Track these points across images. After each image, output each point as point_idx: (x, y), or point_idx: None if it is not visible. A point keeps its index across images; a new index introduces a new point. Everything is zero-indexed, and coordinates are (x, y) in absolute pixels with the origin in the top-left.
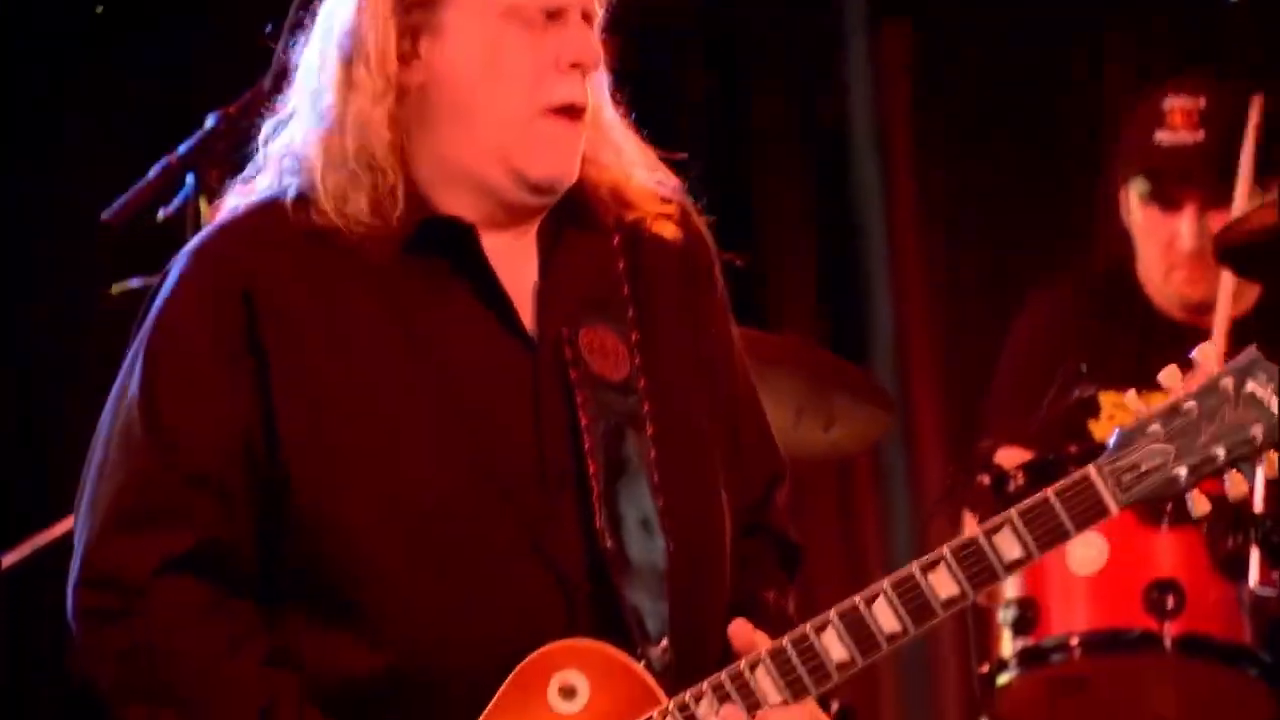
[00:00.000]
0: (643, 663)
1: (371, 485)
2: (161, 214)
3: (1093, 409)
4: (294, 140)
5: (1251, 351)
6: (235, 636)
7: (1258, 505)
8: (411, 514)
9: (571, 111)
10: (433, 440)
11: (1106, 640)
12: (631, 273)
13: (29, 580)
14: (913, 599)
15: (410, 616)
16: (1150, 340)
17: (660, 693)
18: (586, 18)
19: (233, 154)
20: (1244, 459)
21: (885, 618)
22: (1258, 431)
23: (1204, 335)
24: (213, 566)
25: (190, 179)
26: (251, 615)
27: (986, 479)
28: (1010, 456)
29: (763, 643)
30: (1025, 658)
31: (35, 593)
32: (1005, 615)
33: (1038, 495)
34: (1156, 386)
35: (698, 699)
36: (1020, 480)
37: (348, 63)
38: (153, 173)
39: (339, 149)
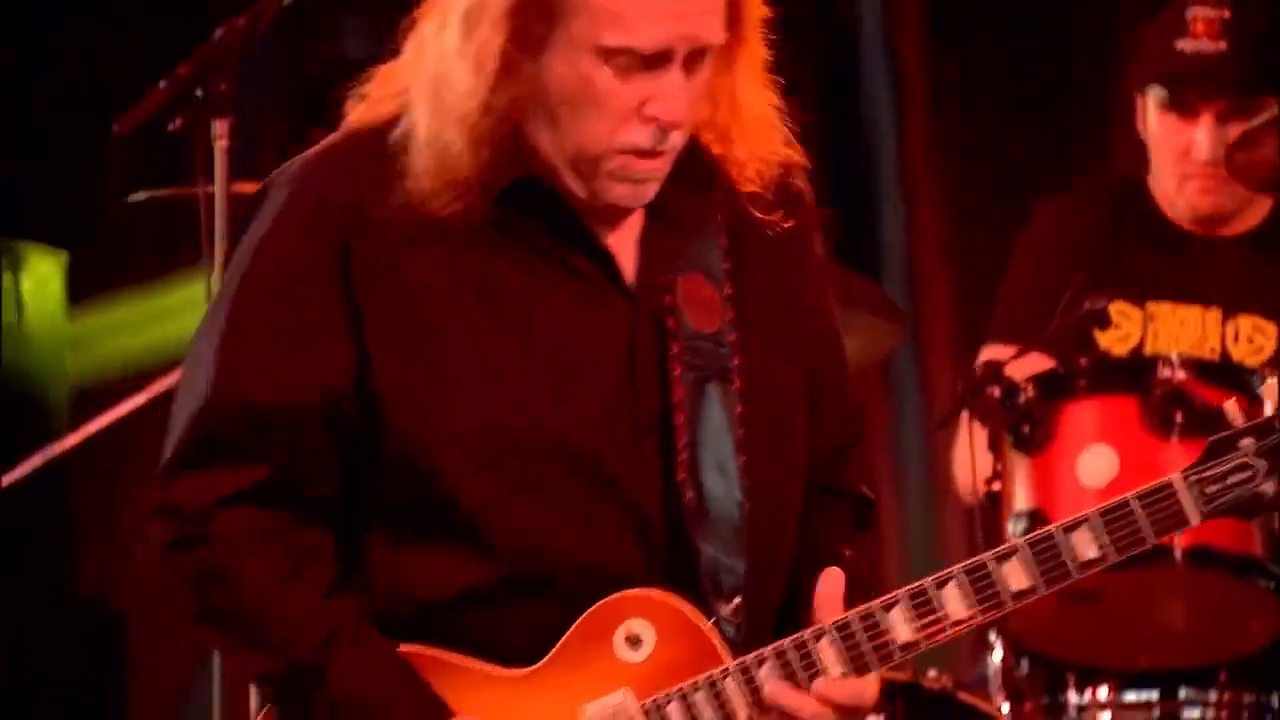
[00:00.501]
0: (712, 620)
1: (466, 421)
2: (171, 125)
3: (1103, 320)
4: (405, 89)
5: None
6: (298, 564)
7: (1268, 409)
8: (503, 449)
9: (648, 153)
10: (527, 381)
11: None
12: (731, 228)
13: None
14: (984, 587)
15: (497, 544)
16: (1162, 252)
17: (724, 653)
18: (695, 57)
19: (240, 66)
20: None
21: (954, 603)
22: None
23: (1215, 247)
24: (278, 498)
25: (199, 91)
26: (316, 543)
27: (996, 391)
28: (1020, 368)
29: (837, 607)
30: None
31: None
32: (1015, 528)
33: (1118, 499)
34: (1171, 299)
35: (760, 663)
36: (1030, 393)
37: (467, 33)
38: (162, 84)
39: (443, 111)
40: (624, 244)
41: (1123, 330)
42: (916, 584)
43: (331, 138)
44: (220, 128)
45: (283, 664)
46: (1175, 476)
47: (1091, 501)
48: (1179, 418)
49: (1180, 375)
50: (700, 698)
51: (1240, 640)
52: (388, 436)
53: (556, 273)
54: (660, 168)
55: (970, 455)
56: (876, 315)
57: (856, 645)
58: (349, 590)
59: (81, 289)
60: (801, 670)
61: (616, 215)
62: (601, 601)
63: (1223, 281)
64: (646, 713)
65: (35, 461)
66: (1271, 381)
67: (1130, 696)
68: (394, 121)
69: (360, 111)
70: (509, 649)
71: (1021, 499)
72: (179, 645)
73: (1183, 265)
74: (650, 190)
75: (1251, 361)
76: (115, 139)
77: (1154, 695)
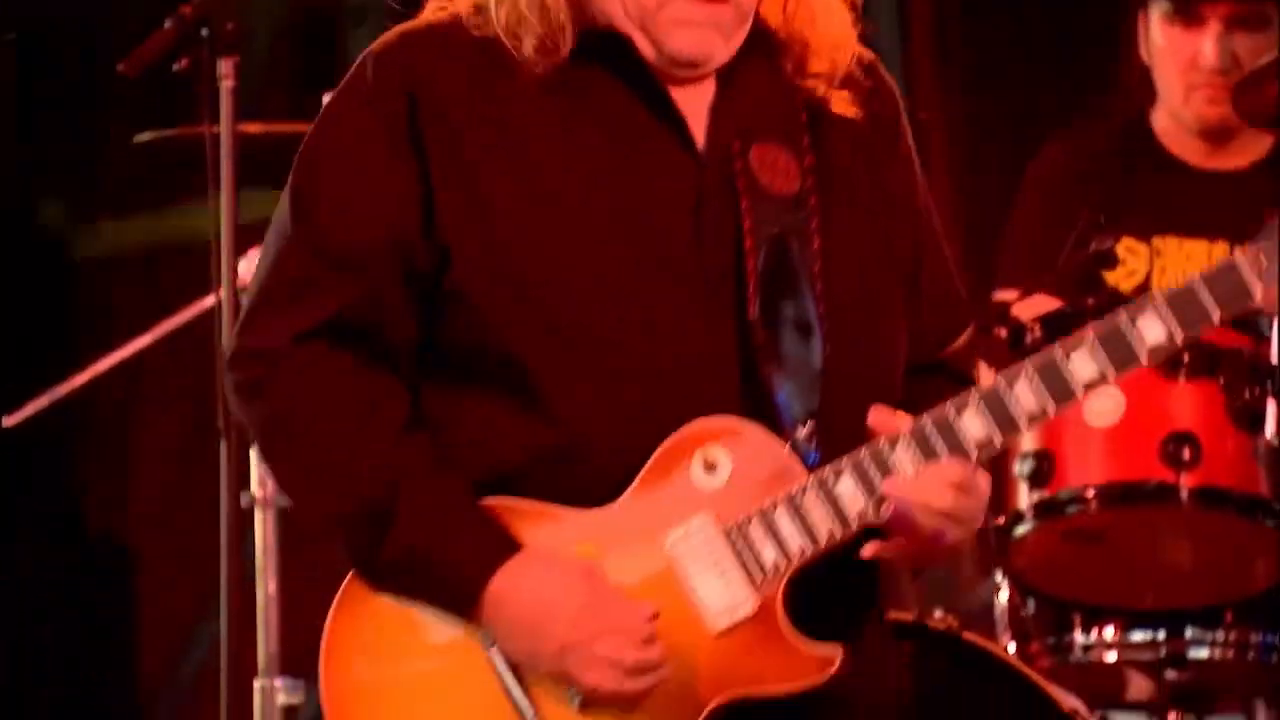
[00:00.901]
0: (788, 445)
1: (533, 271)
2: (177, 66)
3: (1111, 261)
4: None
5: None
6: (371, 402)
7: (1275, 356)
8: (573, 298)
9: None
10: (592, 233)
11: (1123, 492)
12: (811, 105)
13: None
14: (1053, 380)
15: (571, 395)
16: (1166, 186)
17: (801, 469)
18: None
19: (244, 5)
20: None
21: (1026, 398)
22: None
23: (1219, 180)
24: (351, 339)
25: (204, 30)
26: (389, 385)
27: (1003, 332)
28: (1027, 308)
29: (903, 424)
30: (1041, 510)
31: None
32: (1021, 468)
33: (1184, 285)
34: (1177, 233)
35: (837, 475)
36: (1038, 333)
37: None
38: (167, 24)
39: None
40: (696, 112)
41: (1129, 266)
42: (988, 385)
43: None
44: (225, 67)
45: (352, 504)
46: (1236, 253)
47: (1099, 442)
48: (1186, 358)
49: None
50: (781, 515)
51: (1246, 580)
52: (453, 281)
53: (626, 132)
54: (719, 14)
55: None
56: None
57: (931, 447)
58: (419, 432)
59: (87, 228)
60: (878, 476)
61: (688, 82)
62: (675, 434)
63: (1228, 214)
64: (728, 534)
65: (43, 401)
66: (1278, 321)
67: (1136, 636)
68: (471, 10)
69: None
70: (582, 501)
71: (1028, 439)
72: (188, 583)
73: (1188, 199)
74: (713, 41)
75: None
76: (121, 80)
77: (1160, 634)
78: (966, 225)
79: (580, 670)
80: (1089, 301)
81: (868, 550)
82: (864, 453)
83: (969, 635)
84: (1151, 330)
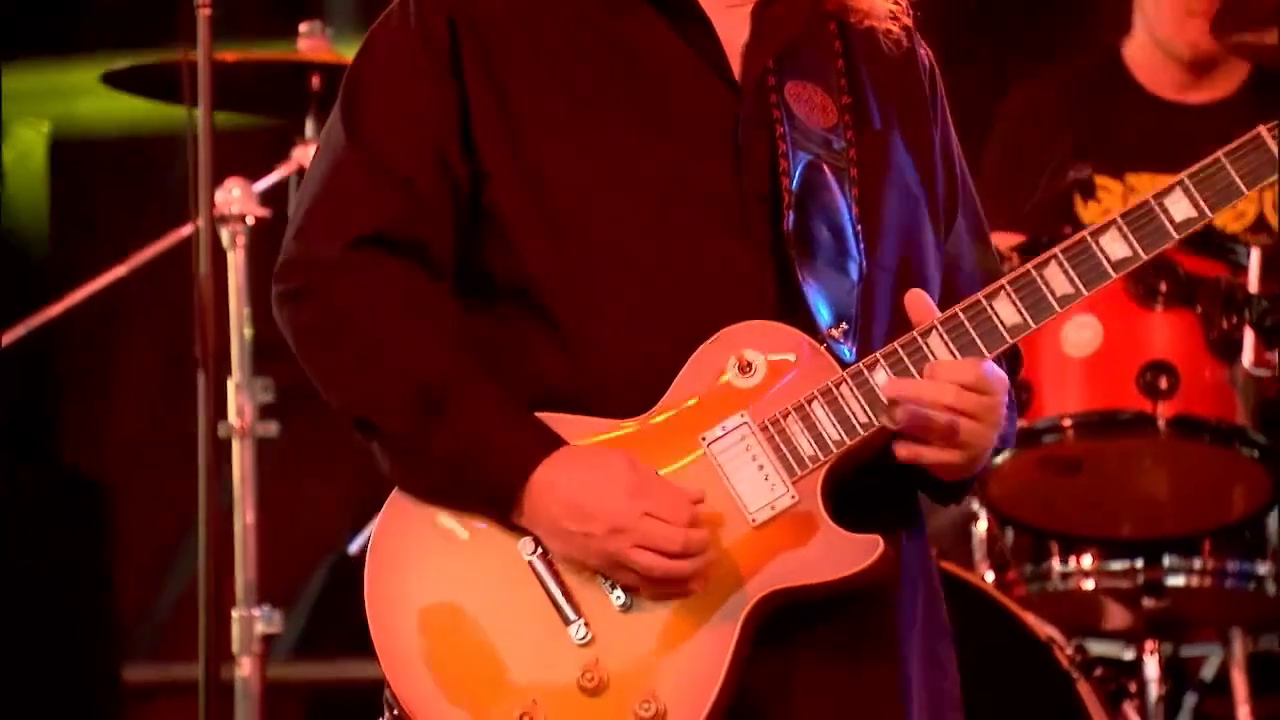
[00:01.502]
0: (823, 344)
1: (565, 193)
2: None
3: (1089, 188)
4: None
5: None
6: (428, 305)
7: (1253, 285)
8: (606, 220)
9: None
10: (629, 159)
11: (1100, 421)
12: (848, 50)
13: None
14: (1084, 260)
15: (605, 316)
16: (1139, 122)
17: (835, 365)
18: None
19: None
20: None
21: (1057, 280)
22: None
23: (1193, 115)
24: (403, 250)
25: None
26: (443, 291)
27: None
28: (1003, 239)
29: (928, 314)
30: (1019, 440)
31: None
32: None
33: (1208, 158)
34: (1150, 168)
35: (872, 367)
36: (1015, 263)
37: None
38: None
39: None
40: (732, 40)
41: (1104, 204)
42: (1019, 269)
43: None
44: None
45: (403, 392)
46: (1260, 128)
47: (1076, 372)
48: (1164, 287)
49: None
50: (817, 407)
51: (1223, 509)
52: (491, 205)
53: (663, 58)
54: None
55: None
56: None
57: (966, 333)
58: (466, 342)
59: (64, 160)
60: (913, 366)
61: (728, 8)
62: (709, 340)
63: (1202, 147)
64: (764, 429)
65: (20, 331)
66: (1256, 251)
67: (1114, 565)
68: None
69: None
70: (617, 416)
71: None
72: (166, 514)
73: (1161, 133)
74: None
75: (1233, 227)
76: (98, 6)
77: (1138, 563)
78: None
79: (627, 553)
80: (1066, 231)
81: (899, 450)
82: (898, 344)
83: (946, 564)
84: (1178, 208)
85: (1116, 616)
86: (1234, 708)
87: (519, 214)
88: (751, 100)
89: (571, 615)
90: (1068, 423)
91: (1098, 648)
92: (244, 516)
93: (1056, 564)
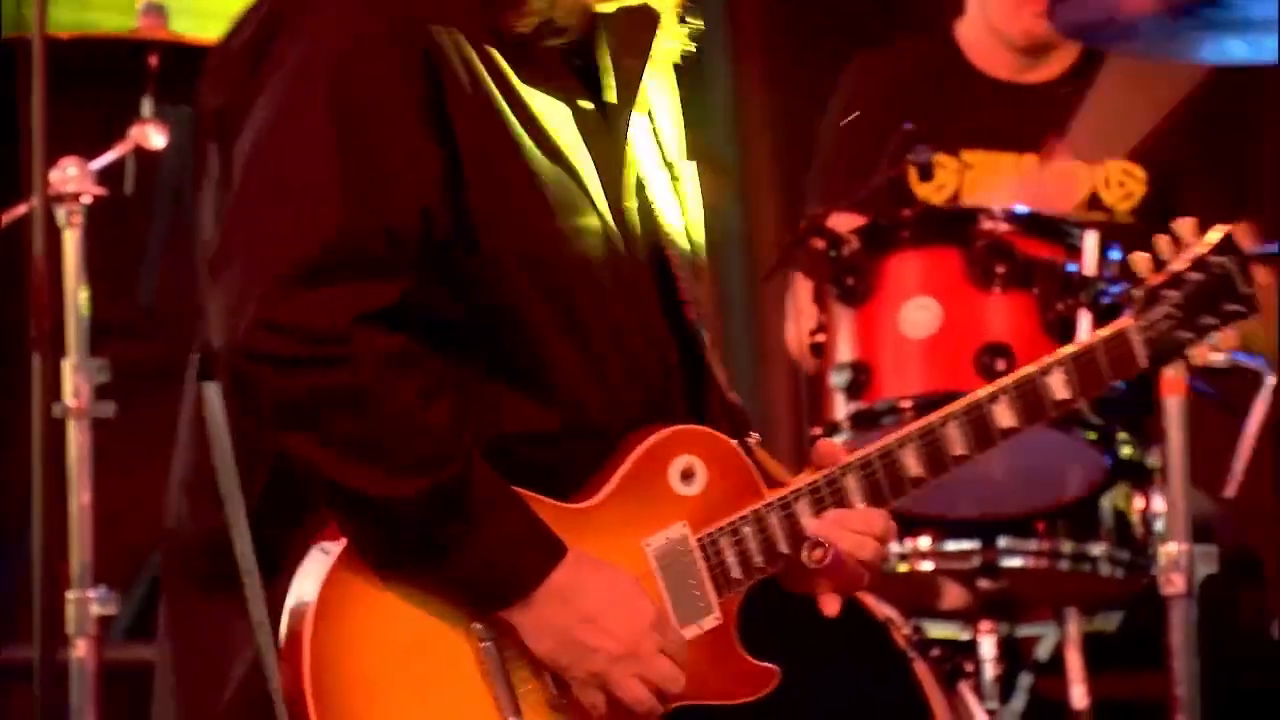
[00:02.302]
0: (750, 459)
1: (532, 249)
2: None
3: (928, 171)
4: None
5: (1223, 230)
6: (432, 389)
7: (1089, 268)
8: (561, 277)
9: None
10: (567, 208)
11: (938, 403)
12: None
13: None
14: (979, 426)
15: (569, 381)
16: (974, 100)
17: (763, 486)
18: None
19: None
20: (1220, 328)
21: (955, 441)
22: (1233, 307)
23: (1028, 94)
24: (406, 321)
25: None
26: (440, 368)
27: (821, 243)
28: (843, 221)
29: (841, 453)
30: (857, 421)
31: None
32: (838, 379)
33: (1083, 344)
34: (985, 146)
35: (796, 498)
36: (854, 245)
37: None
38: None
39: None
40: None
41: (939, 180)
42: (924, 422)
43: None
44: None
45: (435, 480)
46: (1129, 325)
47: (915, 354)
48: (1001, 269)
49: (1002, 227)
50: (747, 530)
51: (1059, 490)
52: (478, 257)
53: (571, 93)
54: None
55: (796, 308)
56: (701, 168)
57: (876, 481)
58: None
59: None
60: (832, 504)
61: (588, 38)
62: (655, 437)
63: (1036, 127)
64: (703, 546)
65: None
66: (1091, 235)
67: (951, 545)
68: None
69: None
70: (563, 488)
71: (845, 350)
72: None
73: (995, 113)
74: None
75: (1062, 205)
76: None
77: (975, 544)
78: (785, 142)
79: (624, 680)
80: (904, 213)
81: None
82: (822, 481)
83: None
84: (1057, 386)
85: (953, 597)
86: (1068, 687)
87: (501, 268)
88: (621, 132)
89: (510, 711)
90: (906, 404)
91: (935, 628)
92: (79, 498)
93: (894, 545)
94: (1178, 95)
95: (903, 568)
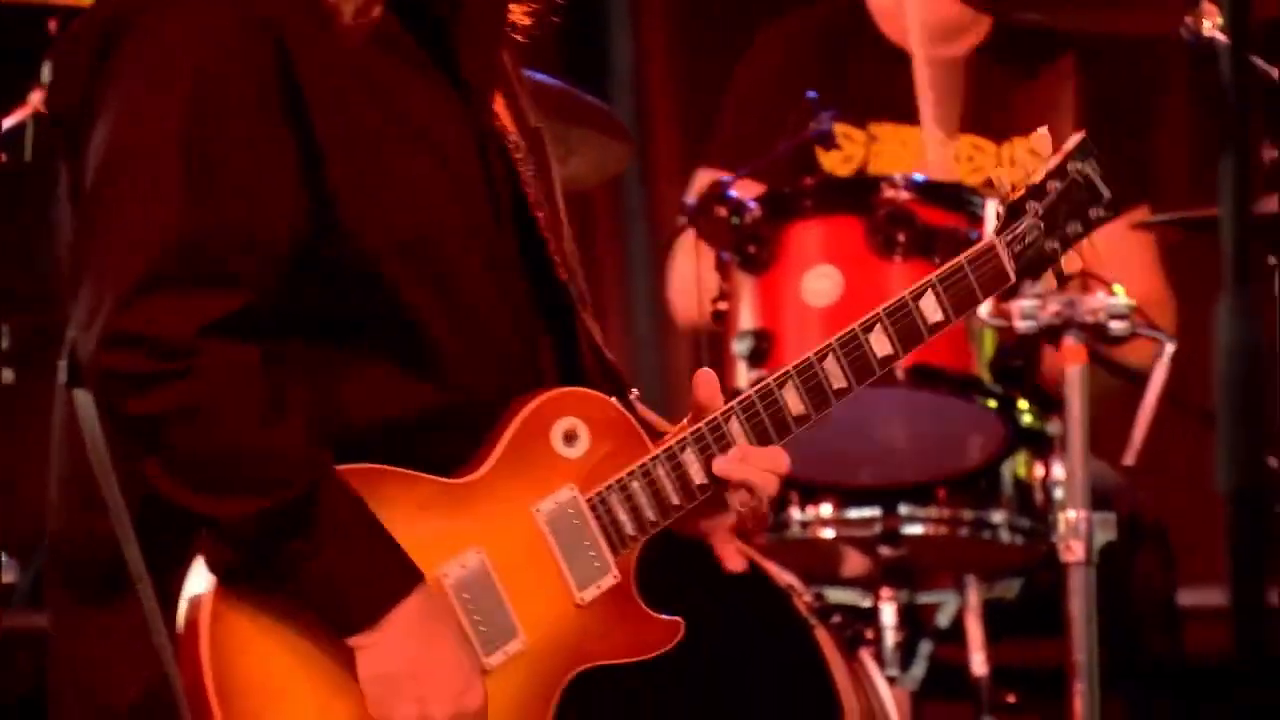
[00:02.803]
0: (631, 414)
1: (405, 233)
2: None
3: (829, 141)
4: None
5: (1084, 137)
6: (280, 404)
7: (988, 230)
8: (433, 257)
9: None
10: (434, 189)
11: None
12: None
13: None
14: (857, 357)
15: (448, 359)
16: (883, 73)
17: (648, 440)
18: None
19: None
20: (1087, 234)
21: (834, 374)
22: (1097, 211)
23: (938, 67)
24: (254, 328)
25: None
26: (294, 378)
27: (723, 211)
28: (746, 189)
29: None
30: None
31: None
32: (740, 346)
33: (952, 263)
34: (893, 119)
35: (682, 447)
36: (757, 213)
37: None
38: None
39: None
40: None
41: (845, 152)
42: (803, 359)
43: None
44: None
45: (270, 502)
46: (995, 238)
47: (816, 321)
48: (902, 238)
49: (904, 196)
50: (636, 485)
51: (960, 458)
52: (340, 243)
53: (426, 74)
54: None
55: (696, 275)
56: (604, 136)
57: (761, 422)
58: (322, 438)
59: None
60: (718, 449)
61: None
62: (535, 402)
63: (942, 103)
64: (593, 506)
65: None
66: (992, 203)
67: (853, 513)
68: None
69: None
70: (448, 466)
71: (747, 318)
72: None
73: (904, 85)
74: None
75: (971, 181)
76: None
77: (876, 511)
78: (687, 110)
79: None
80: (806, 181)
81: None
82: (704, 427)
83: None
84: (930, 309)
85: (855, 564)
86: (968, 654)
87: (362, 249)
88: (478, 111)
89: None
90: None
91: (836, 595)
92: None
93: (795, 512)
94: (1082, 72)
95: (804, 535)
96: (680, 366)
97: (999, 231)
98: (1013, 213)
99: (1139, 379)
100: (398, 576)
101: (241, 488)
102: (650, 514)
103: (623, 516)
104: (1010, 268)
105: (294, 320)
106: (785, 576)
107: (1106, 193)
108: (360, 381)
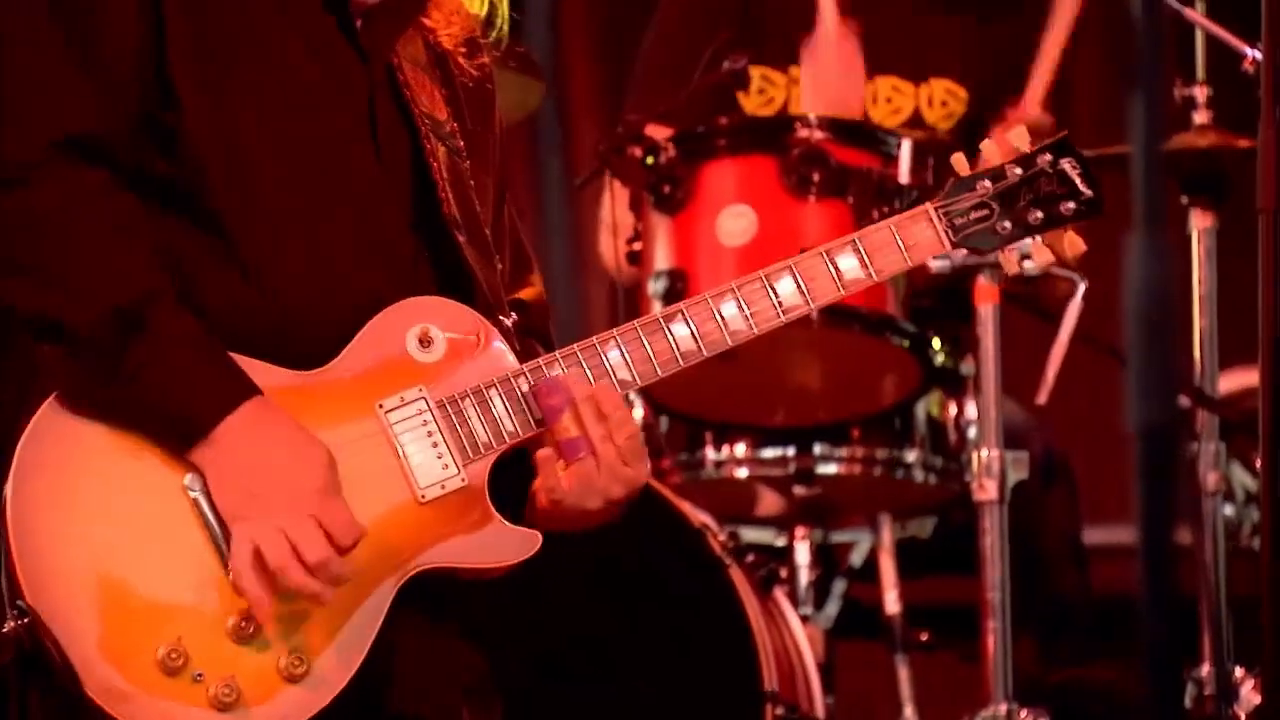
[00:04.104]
0: (499, 331)
1: (256, 125)
2: None
3: (743, 80)
4: None
5: (1063, 135)
6: (124, 224)
7: (903, 177)
8: (285, 155)
9: None
10: (299, 106)
11: None
12: (435, 49)
13: None
14: (758, 298)
15: (281, 253)
16: (805, 19)
17: (513, 358)
18: None
19: None
20: (1052, 226)
21: (731, 313)
22: (1069, 206)
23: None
24: (104, 159)
25: None
26: (139, 208)
27: (638, 151)
28: (658, 131)
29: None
30: None
31: None
32: (655, 287)
33: (878, 224)
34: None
35: (550, 364)
36: (671, 153)
37: None
38: None
39: None
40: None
41: (767, 95)
42: (696, 297)
43: None
44: None
45: (102, 306)
46: (927, 205)
47: (730, 261)
48: (816, 178)
49: (818, 135)
50: (495, 396)
51: (873, 397)
52: (183, 116)
53: (313, 21)
54: None
55: (612, 216)
56: (519, 73)
57: (643, 349)
58: (166, 265)
59: None
60: (590, 372)
61: None
62: (391, 306)
63: (866, 44)
64: (442, 407)
65: None
66: (907, 143)
67: (767, 453)
68: None
69: None
70: (289, 363)
71: (662, 258)
72: None
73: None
74: None
75: (890, 123)
76: None
77: (789, 451)
78: (602, 48)
79: (268, 535)
80: (721, 121)
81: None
82: (577, 348)
83: None
84: (848, 264)
85: (769, 503)
86: (882, 592)
87: (209, 146)
88: (379, 73)
89: (225, 551)
90: None
91: (750, 534)
92: None
93: (710, 452)
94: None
95: (719, 475)
96: (593, 304)
97: (936, 200)
98: (958, 186)
99: (1051, 317)
100: (231, 387)
101: (89, 290)
102: (510, 425)
103: (477, 424)
104: (945, 237)
105: (144, 185)
106: (700, 516)
107: (1087, 192)
108: (187, 259)
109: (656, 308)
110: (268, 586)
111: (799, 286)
